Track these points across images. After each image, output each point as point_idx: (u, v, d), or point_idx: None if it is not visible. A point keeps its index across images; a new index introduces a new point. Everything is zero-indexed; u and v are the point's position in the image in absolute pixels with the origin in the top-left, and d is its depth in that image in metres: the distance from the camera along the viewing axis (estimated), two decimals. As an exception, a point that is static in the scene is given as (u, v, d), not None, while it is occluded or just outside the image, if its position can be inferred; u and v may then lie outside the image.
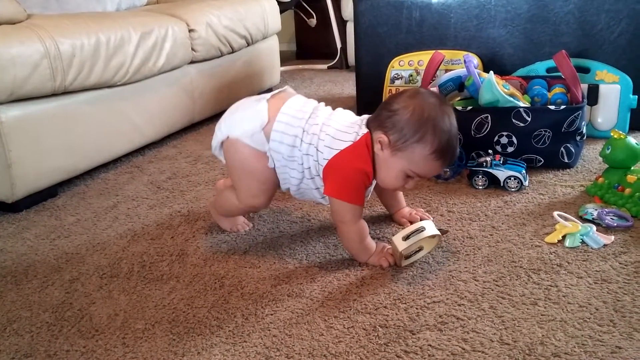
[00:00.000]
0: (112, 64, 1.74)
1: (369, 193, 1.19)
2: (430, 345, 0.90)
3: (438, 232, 1.13)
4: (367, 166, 1.11)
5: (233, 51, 2.45)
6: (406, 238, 1.10)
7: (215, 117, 2.43)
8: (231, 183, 1.29)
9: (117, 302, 1.08)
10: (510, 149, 1.60)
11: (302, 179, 1.18)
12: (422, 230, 1.11)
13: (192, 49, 2.16)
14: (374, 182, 1.17)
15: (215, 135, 1.24)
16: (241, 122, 1.18)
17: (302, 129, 1.15)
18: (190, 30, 2.15)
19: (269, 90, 2.82)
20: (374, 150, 1.11)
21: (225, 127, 1.21)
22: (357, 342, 0.92)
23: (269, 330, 0.96)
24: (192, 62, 2.20)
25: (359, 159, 1.11)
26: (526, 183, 1.49)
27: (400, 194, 1.37)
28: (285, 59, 3.93)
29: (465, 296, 1.03)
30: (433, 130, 1.06)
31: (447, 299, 1.02)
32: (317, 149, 1.13)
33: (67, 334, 0.99)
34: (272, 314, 1.00)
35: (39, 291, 1.13)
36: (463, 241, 1.24)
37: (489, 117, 1.58)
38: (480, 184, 1.51)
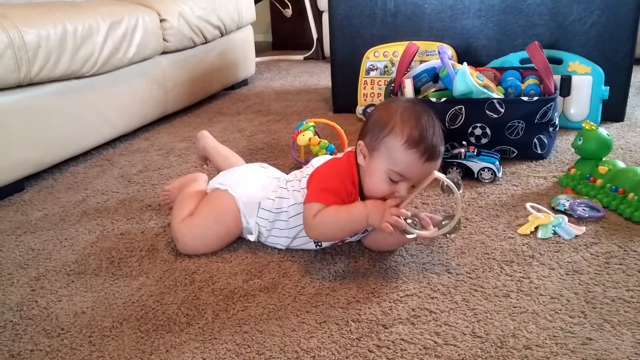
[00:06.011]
0: (80, 54, 1.69)
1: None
2: (402, 340, 0.89)
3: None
4: (350, 172, 1.08)
5: (206, 42, 2.42)
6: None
7: (188, 109, 2.41)
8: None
9: (84, 299, 1.05)
10: (484, 140, 1.60)
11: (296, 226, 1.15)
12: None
13: (164, 39, 2.12)
14: None
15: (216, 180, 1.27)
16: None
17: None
18: (161, 20, 2.10)
19: (244, 82, 2.82)
20: (358, 163, 1.09)
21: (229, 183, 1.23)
22: (329, 337, 0.91)
23: (240, 326, 0.94)
24: (164, 52, 2.16)
25: (342, 167, 1.10)
26: (500, 174, 1.49)
27: None
28: (260, 49, 3.89)
29: (438, 289, 1.02)
30: (401, 121, 1.03)
31: (420, 292, 1.02)
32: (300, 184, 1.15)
33: (32, 333, 0.96)
34: (243, 310, 0.99)
35: (3, 289, 1.10)
36: (437, 233, 1.23)
37: (463, 108, 1.57)
38: (454, 175, 1.51)
